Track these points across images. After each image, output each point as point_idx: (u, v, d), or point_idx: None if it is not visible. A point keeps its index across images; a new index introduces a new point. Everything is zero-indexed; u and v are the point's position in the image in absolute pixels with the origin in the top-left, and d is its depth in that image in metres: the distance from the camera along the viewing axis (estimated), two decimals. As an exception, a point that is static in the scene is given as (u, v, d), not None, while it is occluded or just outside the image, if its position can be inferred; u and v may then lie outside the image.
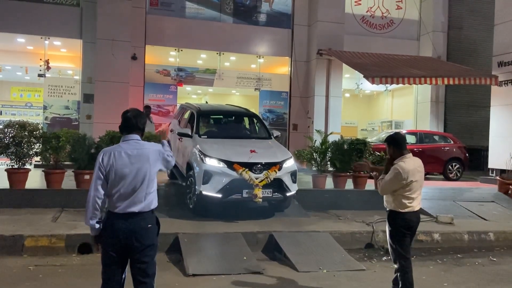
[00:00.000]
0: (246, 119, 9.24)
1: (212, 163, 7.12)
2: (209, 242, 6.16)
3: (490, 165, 12.57)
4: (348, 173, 9.39)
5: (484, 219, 8.46)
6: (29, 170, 7.96)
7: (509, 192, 9.97)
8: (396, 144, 4.27)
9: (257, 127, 9.03)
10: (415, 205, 4.26)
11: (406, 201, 4.19)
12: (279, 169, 7.27)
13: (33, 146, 7.88)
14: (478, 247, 7.23)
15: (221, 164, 7.10)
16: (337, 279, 5.34)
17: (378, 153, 9.52)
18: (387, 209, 4.35)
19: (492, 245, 7.36)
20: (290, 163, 7.57)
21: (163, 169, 3.41)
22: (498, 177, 10.90)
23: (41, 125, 10.24)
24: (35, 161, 8.67)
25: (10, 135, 7.68)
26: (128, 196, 3.13)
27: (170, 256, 5.96)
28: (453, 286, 5.29)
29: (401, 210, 4.21)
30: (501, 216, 8.76)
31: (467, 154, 13.36)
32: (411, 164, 4.19)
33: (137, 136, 3.28)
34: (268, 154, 7.54)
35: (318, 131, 10.39)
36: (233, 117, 9.21)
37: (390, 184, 4.18)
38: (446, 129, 15.54)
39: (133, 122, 3.27)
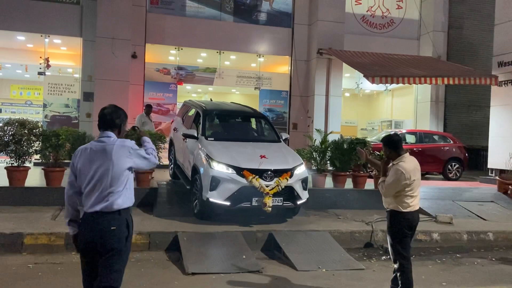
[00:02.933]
0: (253, 120, 8.85)
1: (220, 168, 6.78)
2: (208, 241, 6.15)
3: (489, 165, 12.58)
4: (347, 173, 9.40)
5: (483, 219, 8.47)
6: (28, 168, 7.97)
7: (509, 192, 9.97)
8: (393, 145, 4.28)
9: (265, 129, 8.63)
10: (416, 204, 4.27)
11: (408, 200, 4.18)
12: (291, 176, 6.95)
13: (32, 144, 7.89)
14: (477, 247, 7.25)
15: (230, 170, 6.76)
16: (337, 278, 5.34)
17: (378, 153, 9.53)
18: (388, 209, 4.34)
19: (491, 245, 7.37)
20: (302, 170, 7.25)
21: (138, 167, 3.21)
22: (497, 177, 10.91)
23: (41, 123, 10.25)
24: (35, 159, 8.66)
25: (10, 133, 7.68)
26: (90, 194, 3.02)
27: (170, 255, 5.97)
28: (452, 285, 5.29)
29: (402, 210, 4.20)
30: (501, 216, 8.77)
31: (466, 154, 13.37)
32: (411, 163, 4.21)
33: (110, 133, 3.15)
34: (279, 160, 7.20)
35: (318, 130, 10.40)
36: (241, 118, 8.78)
37: (394, 185, 4.16)
38: (446, 129, 15.55)
39: (108, 119, 3.17)
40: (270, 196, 6.67)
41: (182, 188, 8.44)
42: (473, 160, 14.54)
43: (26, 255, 5.68)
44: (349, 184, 9.44)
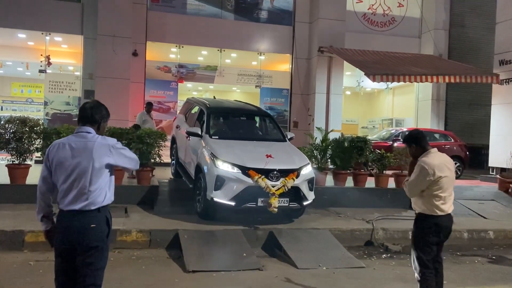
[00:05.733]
0: (258, 119, 8.70)
1: (225, 168, 6.63)
2: (209, 239, 6.16)
3: (490, 164, 12.57)
4: (348, 171, 9.40)
5: (484, 218, 8.48)
6: (29, 165, 7.98)
7: (509, 190, 9.97)
8: (416, 141, 3.90)
9: (270, 128, 8.48)
10: (448, 207, 3.83)
11: (437, 202, 3.77)
12: (297, 177, 6.80)
13: (33, 141, 7.90)
14: (478, 245, 7.26)
15: (235, 170, 6.61)
16: (337, 276, 5.35)
17: (379, 151, 9.53)
18: (416, 211, 3.95)
19: (492, 243, 7.39)
20: (308, 170, 7.12)
21: (119, 166, 3.10)
22: (498, 176, 10.91)
23: (42, 121, 10.26)
24: (36, 157, 8.68)
25: (11, 130, 7.70)
26: (68, 192, 2.91)
27: (170, 253, 5.97)
28: (453, 284, 5.29)
29: (432, 214, 3.79)
30: (501, 214, 8.78)
31: (467, 152, 13.33)
32: (437, 159, 3.80)
33: (89, 129, 3.03)
34: (286, 159, 7.06)
35: (318, 129, 10.40)
36: (246, 116, 8.60)
37: (416, 183, 3.78)
38: (446, 127, 15.54)
39: (88, 114, 3.05)
40: (276, 197, 6.51)
41: (182, 186, 8.44)
42: (474, 159, 14.49)
43: (27, 253, 5.70)
44: (349, 182, 9.44)
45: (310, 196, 7.15)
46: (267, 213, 6.71)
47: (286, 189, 6.63)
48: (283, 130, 8.56)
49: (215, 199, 6.62)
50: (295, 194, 6.86)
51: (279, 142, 7.86)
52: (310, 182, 7.14)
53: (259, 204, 6.61)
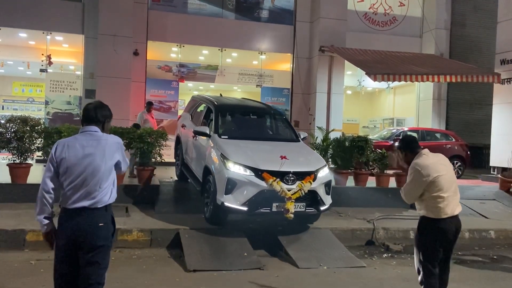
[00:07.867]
0: (269, 118, 8.21)
1: (236, 170, 6.17)
2: (209, 238, 6.16)
3: (491, 163, 12.55)
4: (349, 170, 9.39)
5: (485, 217, 8.47)
6: (30, 165, 7.99)
7: (511, 190, 9.96)
8: (405, 146, 3.78)
9: (282, 127, 8.04)
10: (452, 208, 3.58)
11: (440, 204, 3.54)
12: (314, 179, 6.33)
13: (34, 141, 7.91)
14: (479, 245, 7.25)
15: (248, 172, 6.15)
16: (337, 276, 5.35)
17: (380, 151, 9.52)
18: (419, 214, 3.76)
19: (493, 243, 7.38)
20: (325, 172, 6.65)
21: (120, 163, 3.11)
22: (499, 175, 10.89)
23: (43, 120, 10.27)
24: (37, 156, 8.69)
25: (12, 130, 7.71)
26: (78, 190, 2.91)
27: (171, 252, 5.98)
28: (454, 283, 5.26)
29: (435, 217, 3.56)
30: (502, 214, 8.77)
31: (468, 152, 13.32)
32: (430, 158, 3.63)
33: (95, 128, 3.06)
34: (301, 161, 6.66)
35: (319, 128, 10.39)
36: (256, 115, 8.11)
37: (412, 186, 3.60)
38: (448, 126, 15.52)
39: (92, 114, 3.07)
40: (292, 201, 6.05)
41: (183, 185, 8.45)
42: (475, 158, 14.48)
43: (28, 252, 5.71)
44: (350, 181, 9.44)
45: (327, 200, 6.70)
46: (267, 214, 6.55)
47: (303, 193, 6.16)
48: (296, 130, 8.14)
49: (226, 203, 6.14)
50: (312, 198, 6.39)
51: (292, 142, 7.41)
52: (327, 185, 6.67)
53: (274, 209, 6.15)
